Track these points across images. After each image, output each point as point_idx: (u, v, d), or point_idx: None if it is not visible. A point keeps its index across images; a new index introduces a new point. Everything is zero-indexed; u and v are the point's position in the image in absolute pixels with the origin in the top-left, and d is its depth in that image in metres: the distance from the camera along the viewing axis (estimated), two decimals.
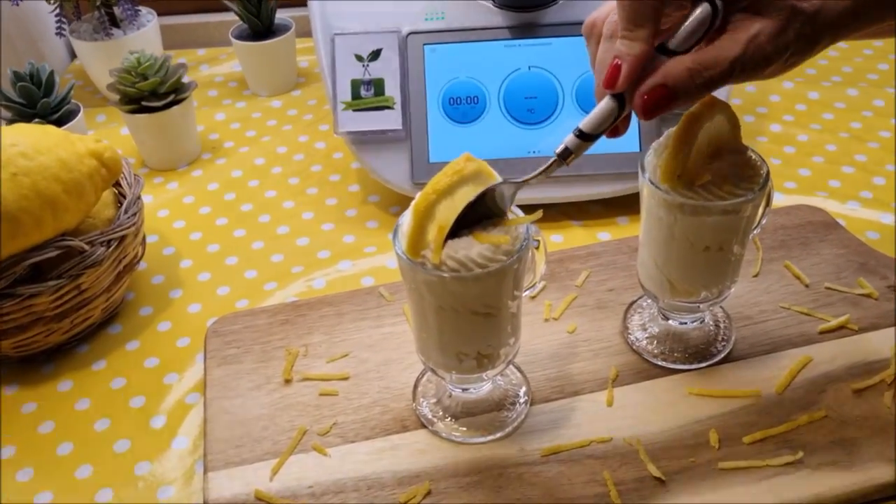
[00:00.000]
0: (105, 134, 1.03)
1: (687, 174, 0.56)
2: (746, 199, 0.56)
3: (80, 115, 0.91)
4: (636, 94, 0.49)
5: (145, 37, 1.04)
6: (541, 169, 0.53)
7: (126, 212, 0.73)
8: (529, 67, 0.82)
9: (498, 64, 0.82)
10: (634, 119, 0.75)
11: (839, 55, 1.10)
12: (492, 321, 0.55)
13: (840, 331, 0.68)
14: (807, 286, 0.72)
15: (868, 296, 0.71)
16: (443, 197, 0.50)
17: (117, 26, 1.04)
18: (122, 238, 0.72)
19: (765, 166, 0.58)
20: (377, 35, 0.82)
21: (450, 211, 0.51)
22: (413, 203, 0.51)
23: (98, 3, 1.00)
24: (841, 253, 0.76)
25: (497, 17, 0.83)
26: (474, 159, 0.52)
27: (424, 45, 0.82)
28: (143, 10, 1.07)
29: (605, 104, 0.51)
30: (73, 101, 0.92)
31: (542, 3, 0.82)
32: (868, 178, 0.88)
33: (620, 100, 0.50)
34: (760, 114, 1.00)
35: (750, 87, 1.04)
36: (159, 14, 1.10)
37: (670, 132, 0.57)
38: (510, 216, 0.55)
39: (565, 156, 0.52)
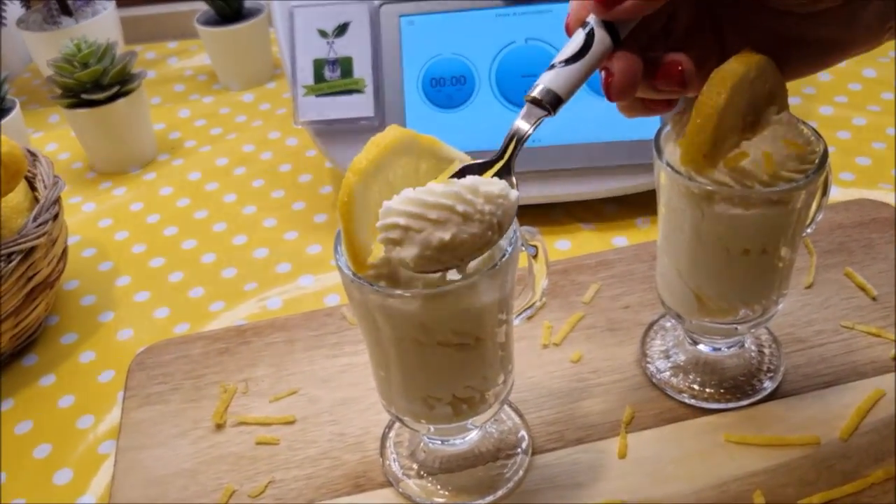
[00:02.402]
0: (56, 135, 0.92)
1: (717, 152, 0.42)
2: (798, 184, 0.42)
3: (16, 111, 0.80)
4: None
5: (100, 25, 0.93)
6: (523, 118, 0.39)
7: (35, 220, 0.60)
8: (526, 40, 0.69)
9: (488, 37, 0.69)
10: None
11: None
12: (469, 355, 0.42)
13: None
14: (874, 299, 0.58)
15: None
16: (370, 179, 0.37)
17: (69, 15, 0.93)
18: (31, 251, 0.59)
19: (822, 141, 0.44)
20: (344, 5, 0.70)
21: (387, 198, 0.38)
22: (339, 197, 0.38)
23: None
24: None
25: None
26: (400, 128, 0.39)
27: (401, 16, 0.70)
28: None
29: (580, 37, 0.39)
30: (8, 97, 0.80)
31: None
32: None
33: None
34: (808, 95, 0.85)
35: None
36: (122, 4, 0.98)
37: (694, 100, 0.43)
38: None
39: (553, 103, 0.38)
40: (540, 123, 0.39)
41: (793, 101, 0.84)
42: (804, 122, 0.45)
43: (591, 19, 0.38)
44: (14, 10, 0.95)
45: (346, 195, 0.37)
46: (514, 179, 0.39)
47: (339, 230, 0.39)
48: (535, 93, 0.38)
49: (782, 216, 0.44)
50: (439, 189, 0.36)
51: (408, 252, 0.36)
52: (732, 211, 0.43)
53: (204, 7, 0.95)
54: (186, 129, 0.90)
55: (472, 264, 0.38)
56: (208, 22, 0.93)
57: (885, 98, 0.84)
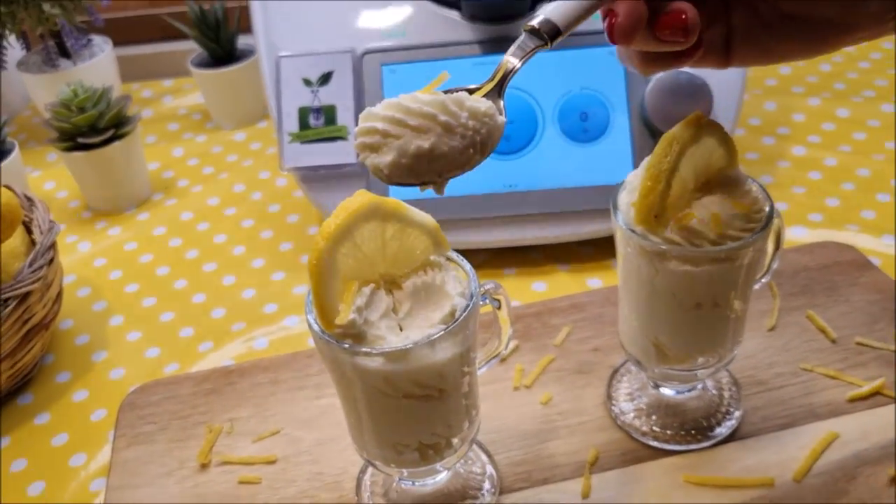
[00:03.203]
0: (53, 174, 0.94)
1: (667, 213, 0.45)
2: (744, 242, 0.44)
3: (15, 153, 0.83)
4: None
5: (98, 67, 0.95)
6: (514, 51, 0.38)
7: (31, 265, 0.63)
8: None
9: (466, 84, 0.71)
10: (629, 145, 0.64)
11: (871, 67, 0.98)
12: (435, 405, 0.44)
13: (874, 398, 0.56)
14: (833, 341, 0.60)
15: None
16: (338, 243, 0.40)
17: (68, 57, 0.96)
18: (26, 295, 0.62)
19: (768, 201, 0.46)
20: (328, 56, 0.72)
21: (356, 259, 0.41)
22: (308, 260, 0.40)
23: (40, 33, 0.92)
24: (874, 299, 0.63)
25: (465, 31, 0.73)
26: (368, 194, 0.41)
27: (383, 64, 0.72)
28: (97, 39, 0.99)
29: None
30: (7, 139, 0.83)
31: (516, 14, 0.72)
32: None
33: None
34: (782, 135, 0.88)
35: (770, 105, 0.92)
36: (118, 44, 1.01)
37: (646, 161, 0.45)
38: (444, 257, 0.44)
39: (552, 33, 0.37)
40: (533, 54, 0.38)
41: (767, 140, 0.87)
42: (754, 181, 0.48)
43: None
44: (14, 53, 0.98)
45: (316, 258, 0.40)
46: (502, 104, 0.39)
47: (309, 291, 0.42)
48: (535, 22, 0.38)
49: (731, 272, 0.46)
50: (424, 97, 0.36)
51: (384, 158, 0.36)
52: (683, 268, 0.45)
53: (198, 48, 0.97)
54: (180, 169, 0.93)
55: (432, 331, 0.41)
56: (202, 63, 0.96)
57: (857, 138, 0.86)
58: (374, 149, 0.36)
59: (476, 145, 0.36)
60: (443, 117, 0.36)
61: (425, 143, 0.35)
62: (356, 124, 0.70)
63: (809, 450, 0.52)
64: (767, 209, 0.46)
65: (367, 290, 0.42)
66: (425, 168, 0.36)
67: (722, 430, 0.54)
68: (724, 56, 0.41)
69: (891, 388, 0.56)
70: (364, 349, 0.40)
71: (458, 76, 0.71)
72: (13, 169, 0.82)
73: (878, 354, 0.59)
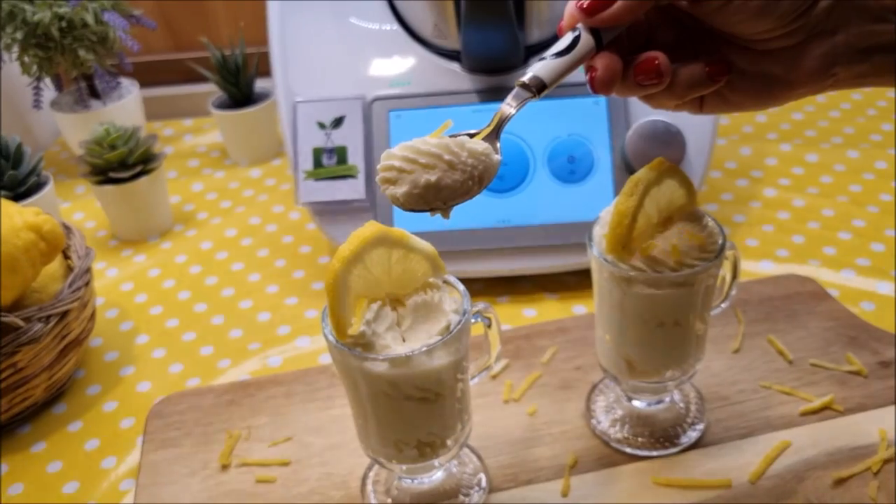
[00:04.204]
0: (82, 205, 1.02)
1: (633, 245, 0.52)
2: (699, 269, 0.52)
3: (50, 186, 0.90)
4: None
5: (125, 108, 1.03)
6: (509, 101, 0.44)
7: (71, 286, 0.70)
8: None
9: (466, 129, 0.79)
10: (611, 186, 0.71)
11: (841, 116, 1.05)
12: (431, 407, 0.51)
13: (823, 412, 0.63)
14: (791, 363, 0.67)
15: (857, 373, 0.65)
16: (351, 265, 0.47)
17: (98, 98, 1.04)
18: (65, 313, 0.69)
19: (721, 235, 0.54)
20: (340, 102, 0.80)
21: (366, 280, 0.48)
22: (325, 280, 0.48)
23: (75, 76, 1.00)
24: (830, 326, 0.70)
25: (465, 82, 0.81)
26: (377, 224, 0.48)
27: (390, 110, 0.80)
28: (125, 81, 1.07)
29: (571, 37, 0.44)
30: (43, 173, 0.91)
31: (511, 67, 0.80)
32: (866, 244, 0.83)
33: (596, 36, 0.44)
34: (755, 178, 0.95)
35: (745, 150, 1.00)
36: (144, 85, 1.09)
37: (616, 200, 0.53)
38: (441, 280, 0.51)
39: (539, 87, 0.43)
40: (524, 104, 0.44)
41: (741, 182, 0.94)
42: (711, 218, 0.55)
43: (580, 26, 0.43)
44: (46, 93, 1.06)
45: (332, 278, 0.47)
46: (498, 146, 0.45)
47: (326, 306, 0.49)
48: (525, 78, 0.43)
49: (690, 295, 0.53)
50: (432, 141, 0.43)
51: (400, 189, 0.43)
52: (647, 291, 0.53)
53: (218, 91, 1.05)
54: (199, 202, 1.00)
55: (430, 341, 0.48)
56: (222, 105, 1.04)
57: (824, 181, 0.93)
58: (391, 182, 0.43)
59: (475, 178, 0.43)
60: (447, 157, 0.43)
61: (433, 176, 0.42)
62: (365, 164, 0.78)
63: (764, 456, 0.59)
64: (721, 242, 0.53)
65: (374, 306, 0.49)
66: (433, 197, 0.43)
67: (687, 439, 0.61)
68: (698, 105, 0.48)
69: (839, 404, 0.63)
70: (372, 356, 0.47)
71: (459, 121, 0.79)
72: (48, 200, 0.89)
73: (830, 374, 0.65)
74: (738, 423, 0.62)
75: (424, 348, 0.48)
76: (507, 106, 0.44)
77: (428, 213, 0.44)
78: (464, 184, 0.43)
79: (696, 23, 0.45)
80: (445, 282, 0.52)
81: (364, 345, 0.48)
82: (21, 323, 0.65)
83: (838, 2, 0.42)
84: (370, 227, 0.49)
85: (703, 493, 0.57)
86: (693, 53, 0.45)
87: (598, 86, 0.43)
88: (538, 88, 0.43)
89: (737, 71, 0.45)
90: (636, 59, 0.44)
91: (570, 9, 0.43)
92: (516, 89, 0.44)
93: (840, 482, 0.57)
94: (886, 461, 0.58)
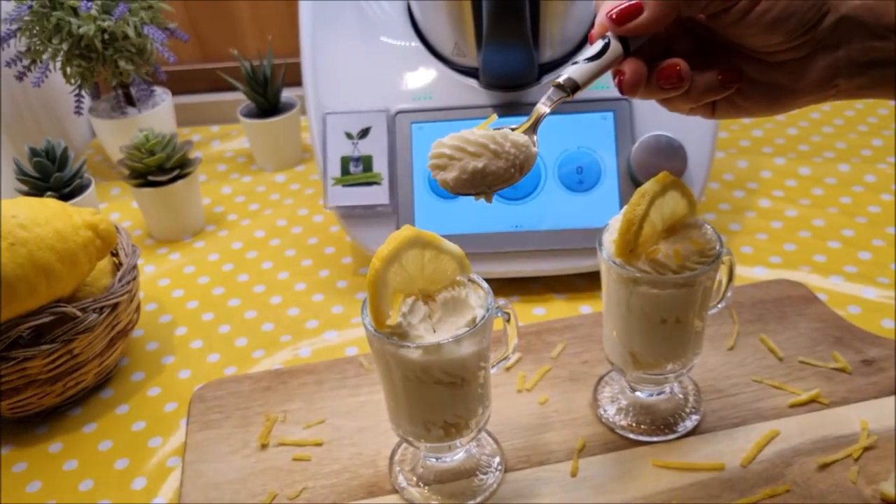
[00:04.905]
0: (117, 206, 1.08)
1: (639, 249, 0.58)
2: (698, 272, 0.58)
3: (92, 188, 0.96)
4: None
5: (159, 115, 1.10)
6: (544, 100, 0.49)
7: (120, 280, 0.76)
8: None
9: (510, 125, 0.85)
10: (616, 195, 0.77)
11: (833, 131, 1.12)
12: (457, 391, 0.57)
13: (810, 405, 0.68)
14: (780, 360, 0.73)
15: (841, 370, 0.71)
16: (389, 264, 0.53)
17: (133, 105, 1.10)
18: (116, 305, 0.75)
19: (719, 242, 0.60)
20: (367, 114, 0.86)
21: (401, 277, 0.54)
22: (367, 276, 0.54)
23: (114, 84, 1.06)
24: (817, 327, 0.76)
25: (482, 97, 0.87)
26: (412, 228, 0.55)
27: (412, 123, 0.86)
28: (159, 89, 1.13)
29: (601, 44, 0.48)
30: (86, 175, 0.97)
31: (525, 84, 0.86)
32: (854, 252, 0.89)
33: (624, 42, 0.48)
34: (751, 189, 1.01)
35: (742, 163, 1.06)
36: (175, 93, 1.16)
37: (624, 209, 0.59)
38: (467, 278, 0.57)
39: (572, 88, 0.48)
40: (559, 103, 0.49)
41: (738, 193, 1.01)
42: (710, 226, 0.61)
43: (609, 34, 0.48)
44: (57, 87, 1.11)
45: (373, 275, 0.53)
46: (535, 139, 0.50)
47: (366, 298, 0.55)
48: (560, 80, 0.48)
49: (689, 295, 0.59)
50: (479, 132, 0.48)
51: (449, 175, 0.49)
52: (652, 291, 0.59)
53: (245, 99, 1.12)
54: (229, 205, 1.06)
55: (458, 332, 0.54)
56: (249, 114, 1.10)
57: (815, 193, 0.99)
58: (441, 168, 0.49)
59: (516, 166, 0.49)
60: (492, 146, 0.48)
61: (480, 163, 0.48)
62: (389, 172, 0.84)
63: (755, 442, 0.65)
64: (718, 248, 0.59)
65: (409, 300, 0.55)
66: (479, 182, 0.48)
67: (685, 426, 0.67)
68: (711, 110, 0.53)
69: (824, 397, 0.69)
70: (407, 344, 0.54)
71: None
72: (89, 201, 0.96)
73: (817, 371, 0.72)
74: (732, 414, 0.68)
75: (453, 338, 0.54)
76: (543, 105, 0.49)
77: (472, 197, 0.49)
78: (507, 171, 0.49)
79: (710, 35, 0.50)
80: (471, 280, 0.58)
81: (400, 334, 0.54)
82: (78, 313, 0.71)
83: (841, 19, 0.46)
84: (406, 231, 0.55)
85: (698, 475, 0.63)
86: (706, 63, 0.50)
87: (626, 88, 0.48)
88: (572, 89, 0.48)
89: (747, 79, 0.50)
90: (659, 65, 0.48)
91: (601, 18, 0.48)
92: (551, 90, 0.49)
93: (824, 467, 0.63)
94: (866, 448, 0.64)
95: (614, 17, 0.48)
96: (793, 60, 0.48)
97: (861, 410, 0.67)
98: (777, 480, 0.62)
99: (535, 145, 0.51)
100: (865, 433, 0.65)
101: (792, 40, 0.47)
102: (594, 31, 0.49)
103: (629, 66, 0.48)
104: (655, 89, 0.49)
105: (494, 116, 0.52)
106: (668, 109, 0.53)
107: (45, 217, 0.70)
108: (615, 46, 0.48)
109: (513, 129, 0.51)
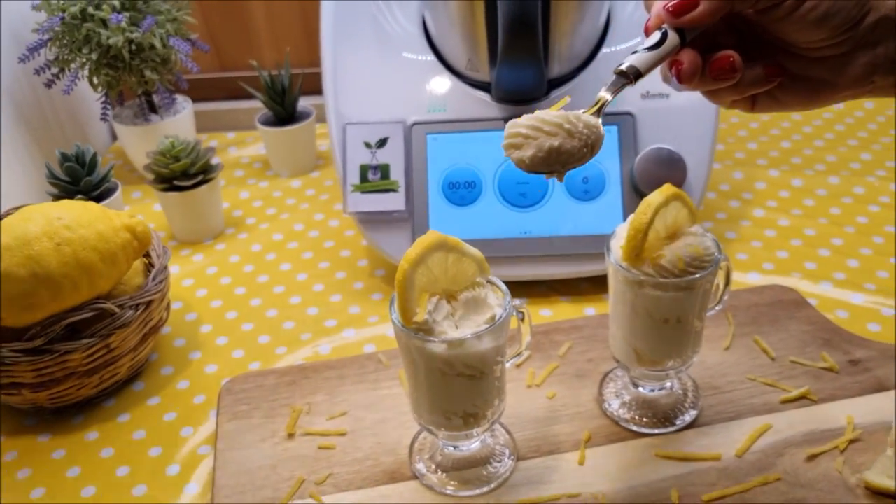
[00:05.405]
0: (139, 209, 1.13)
1: (644, 254, 0.63)
2: (698, 277, 0.63)
3: (118, 192, 1.01)
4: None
5: (180, 122, 1.14)
6: (606, 88, 0.51)
7: (154, 279, 0.81)
8: None
9: (494, 152, 0.91)
10: (620, 203, 0.82)
11: (824, 145, 1.17)
12: (477, 383, 0.62)
13: (800, 401, 0.73)
14: (773, 359, 0.78)
15: (829, 369, 0.76)
16: (416, 266, 0.58)
17: (155, 112, 1.15)
18: (149, 303, 0.80)
19: (717, 249, 0.65)
20: (385, 125, 0.91)
21: (427, 278, 0.59)
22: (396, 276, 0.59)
23: (139, 92, 1.11)
24: (807, 329, 0.81)
25: (494, 110, 0.92)
26: (437, 233, 0.59)
27: (427, 133, 0.91)
28: (180, 97, 1.18)
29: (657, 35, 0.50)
30: (112, 179, 1.02)
31: (534, 98, 0.91)
32: (843, 260, 0.94)
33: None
34: (746, 199, 1.06)
35: (738, 174, 1.11)
36: (194, 101, 1.20)
37: (630, 218, 0.64)
38: (486, 280, 0.62)
39: (635, 74, 0.50)
40: (621, 90, 0.50)
41: (733, 203, 1.06)
42: (709, 234, 0.66)
43: (665, 25, 0.50)
44: (79, 94, 1.15)
45: (402, 276, 0.58)
46: (600, 122, 0.51)
47: (394, 296, 0.60)
48: (623, 67, 0.49)
49: (690, 297, 0.64)
50: (553, 112, 0.50)
51: (526, 153, 0.50)
52: (655, 293, 0.64)
53: (262, 106, 1.16)
54: (247, 209, 1.11)
55: (479, 329, 0.59)
56: (267, 122, 1.15)
57: (806, 204, 1.04)
58: (517, 147, 0.50)
59: (588, 146, 0.50)
60: (566, 125, 0.49)
61: (556, 142, 0.49)
62: (405, 180, 0.89)
63: (748, 435, 0.70)
64: (716, 254, 0.64)
65: (434, 299, 0.60)
66: (554, 160, 0.49)
67: (684, 420, 0.72)
68: (751, 104, 0.55)
69: (814, 395, 0.74)
70: (432, 338, 0.58)
71: (488, 146, 0.90)
72: (116, 204, 1.00)
73: (806, 370, 0.77)
74: (728, 409, 0.73)
75: (474, 334, 0.59)
76: (606, 92, 0.51)
77: (544, 176, 0.51)
78: (580, 150, 0.50)
79: (754, 31, 0.52)
80: (489, 281, 0.63)
81: (426, 330, 0.59)
82: (116, 309, 0.76)
83: (881, 19, 0.48)
84: (432, 235, 0.60)
85: (696, 464, 0.68)
86: (748, 58, 0.51)
87: (685, 77, 0.50)
88: (635, 76, 0.50)
89: (788, 74, 0.52)
90: (712, 57, 0.50)
91: (658, 9, 0.50)
92: (615, 77, 0.50)
93: (812, 458, 0.68)
94: (851, 441, 0.69)
95: (671, 9, 0.49)
96: (834, 57, 0.50)
97: (847, 406, 0.72)
98: (769, 470, 0.67)
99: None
100: (851, 427, 0.70)
101: (835, 37, 0.49)
102: (650, 23, 0.51)
103: (687, 57, 0.50)
104: (707, 80, 0.51)
105: (567, 98, 0.53)
106: (711, 101, 0.54)
107: (88, 219, 0.75)
108: (673, 37, 0.50)
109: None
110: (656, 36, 0.50)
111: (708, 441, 0.70)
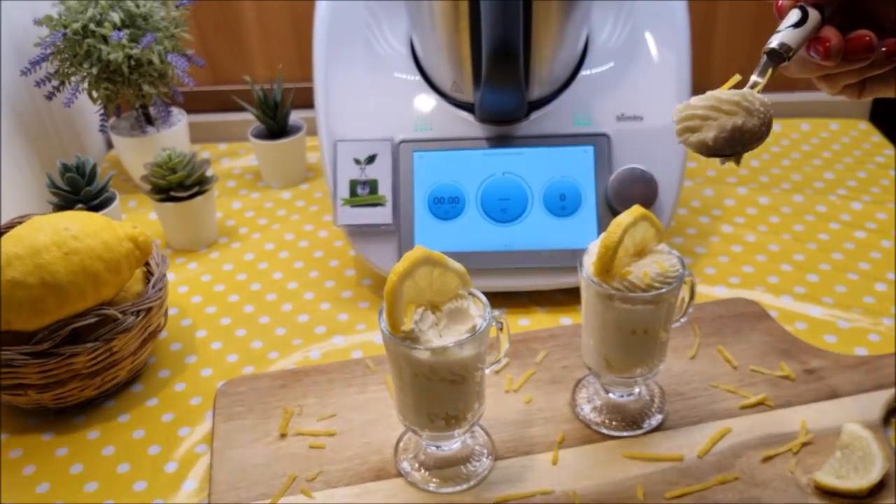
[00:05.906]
0: (136, 218, 1.17)
1: (614, 271, 0.68)
2: (663, 291, 0.68)
3: (117, 201, 1.05)
4: None
5: (175, 134, 1.19)
6: (758, 71, 0.50)
7: (153, 287, 0.85)
8: (503, 173, 0.95)
9: (476, 169, 0.96)
10: (594, 220, 0.87)
11: (790, 164, 1.23)
12: (458, 388, 0.67)
13: (758, 407, 0.79)
14: (735, 368, 0.84)
15: (786, 377, 0.82)
16: (404, 278, 0.63)
17: (152, 124, 1.19)
18: (149, 309, 0.84)
19: (681, 266, 0.70)
20: (373, 142, 0.96)
21: (414, 290, 0.64)
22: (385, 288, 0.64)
23: (137, 105, 1.15)
24: (767, 340, 0.87)
25: (477, 130, 0.97)
26: (423, 248, 0.64)
27: (414, 151, 0.96)
28: (175, 110, 1.23)
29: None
30: (110, 189, 1.06)
31: (516, 119, 0.96)
32: (803, 275, 1.00)
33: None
34: (715, 216, 1.12)
35: (708, 192, 1.17)
36: (188, 113, 1.25)
37: (601, 236, 0.69)
38: (468, 292, 0.67)
39: (787, 52, 0.49)
40: (774, 71, 0.49)
41: (703, 219, 1.12)
42: (675, 252, 0.72)
43: (801, 4, 0.49)
44: (77, 105, 1.18)
45: (390, 288, 0.63)
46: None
47: (382, 306, 0.65)
48: (774, 45, 0.48)
49: (656, 310, 0.70)
50: (727, 92, 0.49)
51: (709, 134, 0.48)
52: (624, 306, 0.69)
53: (254, 119, 1.21)
54: (239, 219, 1.15)
55: (461, 338, 0.64)
56: (259, 135, 1.20)
57: (772, 221, 1.10)
58: (693, 130, 0.49)
59: (766, 124, 0.48)
60: (745, 103, 0.48)
61: (739, 120, 0.48)
62: (392, 195, 0.94)
63: (709, 438, 0.75)
64: (681, 270, 0.70)
65: (420, 310, 0.65)
66: (737, 140, 0.48)
67: (651, 424, 0.77)
68: (858, 91, 0.54)
69: (771, 401, 0.79)
70: (418, 346, 0.64)
71: (471, 164, 0.95)
72: (114, 214, 1.04)
73: (765, 378, 0.82)
74: (691, 413, 0.79)
75: (457, 343, 0.64)
76: (756, 77, 0.50)
77: (720, 160, 0.49)
78: (759, 129, 0.48)
79: (858, 15, 0.50)
80: (471, 293, 0.68)
81: (412, 338, 0.64)
82: (119, 315, 0.80)
83: None
84: (418, 251, 0.65)
85: (661, 464, 0.73)
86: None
87: (833, 54, 0.48)
88: (787, 53, 0.49)
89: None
90: (848, 36, 0.48)
91: None
92: (765, 58, 0.49)
93: (767, 459, 0.73)
94: (804, 444, 0.74)
95: None
96: None
97: (801, 412, 0.78)
98: (727, 470, 0.72)
99: None
100: (804, 431, 0.76)
101: None
102: (783, 2, 0.50)
103: (832, 33, 0.48)
104: (842, 61, 0.49)
105: (738, 76, 0.51)
106: (822, 86, 0.53)
107: (94, 229, 0.79)
108: (815, 14, 0.48)
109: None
110: (796, 14, 0.49)
111: (672, 443, 0.76)
